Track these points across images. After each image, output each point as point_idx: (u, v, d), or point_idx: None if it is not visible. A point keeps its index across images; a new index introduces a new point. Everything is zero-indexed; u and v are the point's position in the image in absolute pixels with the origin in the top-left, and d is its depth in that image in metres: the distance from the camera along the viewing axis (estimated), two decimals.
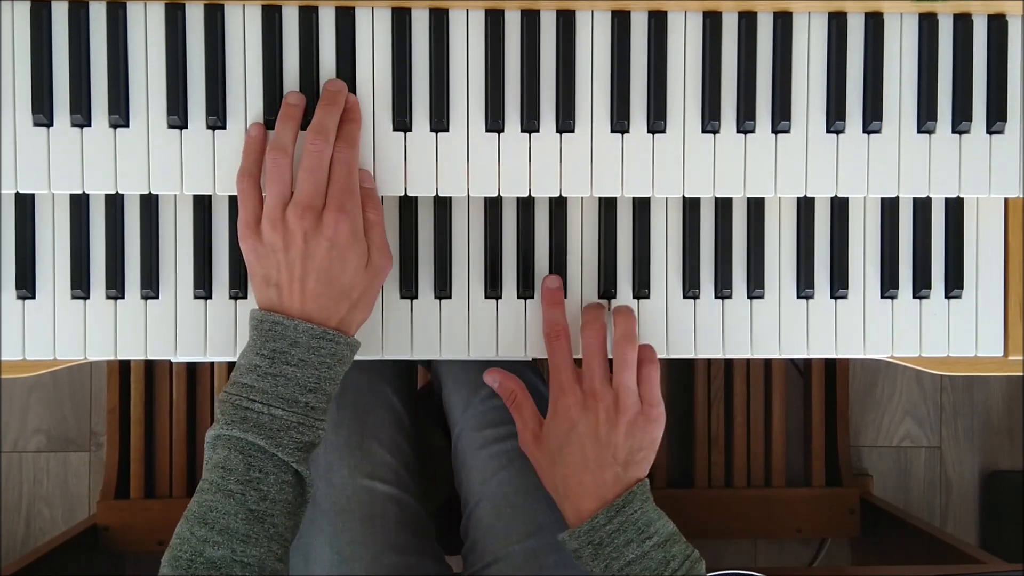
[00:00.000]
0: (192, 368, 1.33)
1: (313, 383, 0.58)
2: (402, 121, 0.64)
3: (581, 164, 0.65)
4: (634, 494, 0.62)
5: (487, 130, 0.65)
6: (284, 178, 0.60)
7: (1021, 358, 0.69)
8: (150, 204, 0.65)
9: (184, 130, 0.63)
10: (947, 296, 0.69)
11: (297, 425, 0.57)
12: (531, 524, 0.73)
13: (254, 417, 0.57)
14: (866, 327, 0.68)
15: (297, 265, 0.58)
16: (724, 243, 0.68)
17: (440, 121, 0.64)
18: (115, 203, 0.65)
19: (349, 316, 0.61)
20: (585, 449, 0.63)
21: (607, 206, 0.67)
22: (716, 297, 0.68)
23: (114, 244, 0.65)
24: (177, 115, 0.63)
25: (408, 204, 0.67)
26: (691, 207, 0.68)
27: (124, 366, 1.33)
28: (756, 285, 0.68)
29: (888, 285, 0.68)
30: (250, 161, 0.62)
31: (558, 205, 0.67)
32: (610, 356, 0.65)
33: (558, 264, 0.67)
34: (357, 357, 0.66)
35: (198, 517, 0.56)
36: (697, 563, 0.61)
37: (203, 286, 0.65)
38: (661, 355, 0.67)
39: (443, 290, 0.67)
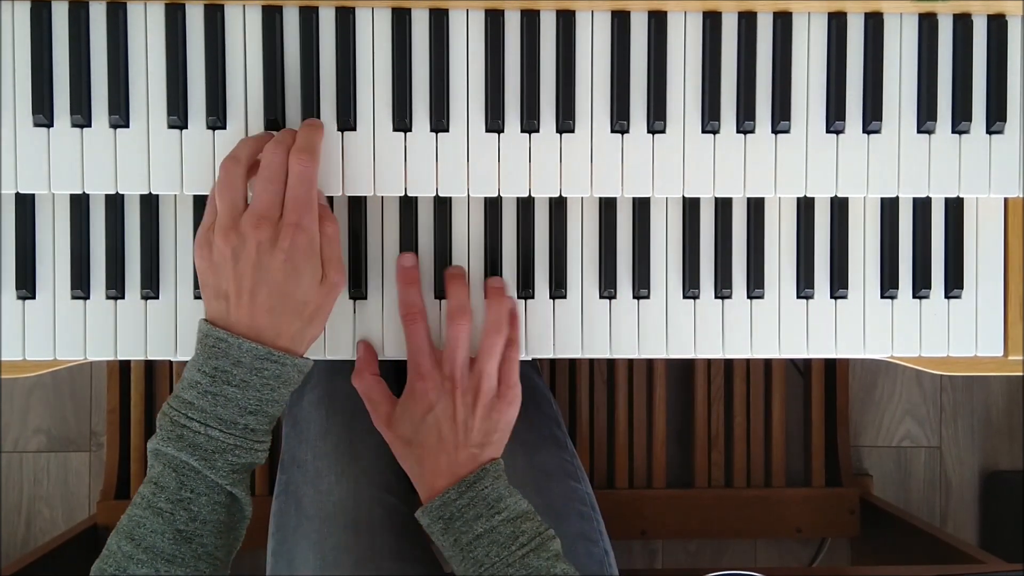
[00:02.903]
0: None
1: (254, 405, 0.56)
2: (402, 121, 0.64)
3: (581, 164, 0.65)
4: (487, 471, 0.62)
5: (487, 130, 0.65)
6: (236, 186, 0.58)
7: (1021, 358, 0.69)
8: (150, 204, 0.65)
9: (184, 130, 0.63)
10: (947, 296, 0.69)
11: (234, 448, 0.56)
12: None
13: (190, 436, 0.55)
14: (866, 327, 0.68)
15: (247, 277, 0.56)
16: (724, 243, 0.68)
17: (440, 121, 0.64)
18: (115, 203, 0.65)
19: (301, 334, 0.59)
20: (442, 431, 0.62)
21: (607, 206, 0.67)
22: (716, 297, 0.68)
23: (114, 244, 0.65)
24: (177, 115, 0.63)
25: (408, 204, 0.67)
26: (691, 207, 0.68)
27: (124, 366, 1.33)
28: (756, 285, 0.68)
29: (888, 285, 0.68)
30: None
31: (558, 205, 0.67)
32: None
33: (558, 264, 0.67)
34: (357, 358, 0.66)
35: (126, 532, 0.55)
36: (549, 540, 0.61)
37: None
38: (661, 355, 0.67)
39: (443, 290, 0.67)
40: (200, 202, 0.65)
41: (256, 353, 0.56)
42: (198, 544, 0.56)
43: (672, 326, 0.68)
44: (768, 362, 1.38)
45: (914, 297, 0.69)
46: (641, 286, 0.67)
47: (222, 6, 0.63)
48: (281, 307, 0.57)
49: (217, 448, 0.56)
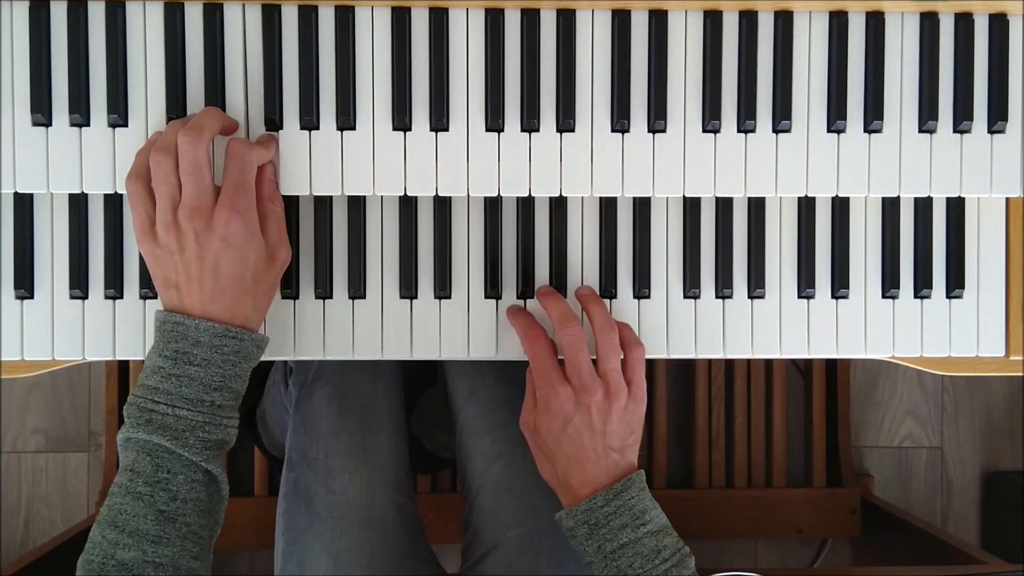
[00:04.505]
0: None
1: (218, 381, 0.58)
2: (402, 121, 0.64)
3: (581, 164, 0.65)
4: (632, 481, 0.63)
5: (487, 130, 0.65)
6: (169, 179, 0.58)
7: (1022, 358, 0.69)
8: None
9: None
10: (948, 296, 0.69)
11: (203, 424, 0.57)
12: (528, 507, 0.73)
13: (159, 419, 0.56)
14: (867, 327, 0.68)
15: (193, 265, 0.58)
16: (725, 243, 0.67)
17: (440, 121, 0.64)
18: (114, 203, 0.65)
19: (254, 311, 0.60)
20: (583, 442, 0.63)
21: (607, 206, 0.67)
22: (717, 297, 0.68)
23: (113, 244, 0.65)
24: (176, 115, 0.63)
25: (408, 204, 0.67)
26: (691, 207, 0.68)
27: (123, 366, 1.33)
28: (757, 285, 0.67)
29: (889, 285, 0.68)
30: (139, 163, 0.60)
31: (558, 205, 0.67)
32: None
33: (558, 264, 0.67)
34: (359, 359, 0.66)
35: (109, 520, 0.56)
36: (687, 558, 0.62)
37: None
38: (661, 355, 0.67)
39: (443, 290, 0.67)
40: None
41: (214, 331, 0.57)
42: (182, 523, 0.56)
43: (673, 326, 0.68)
44: (769, 362, 1.38)
45: (915, 297, 0.68)
46: (642, 286, 0.67)
47: (221, 5, 0.63)
48: (231, 290, 0.58)
49: (187, 426, 0.57)
